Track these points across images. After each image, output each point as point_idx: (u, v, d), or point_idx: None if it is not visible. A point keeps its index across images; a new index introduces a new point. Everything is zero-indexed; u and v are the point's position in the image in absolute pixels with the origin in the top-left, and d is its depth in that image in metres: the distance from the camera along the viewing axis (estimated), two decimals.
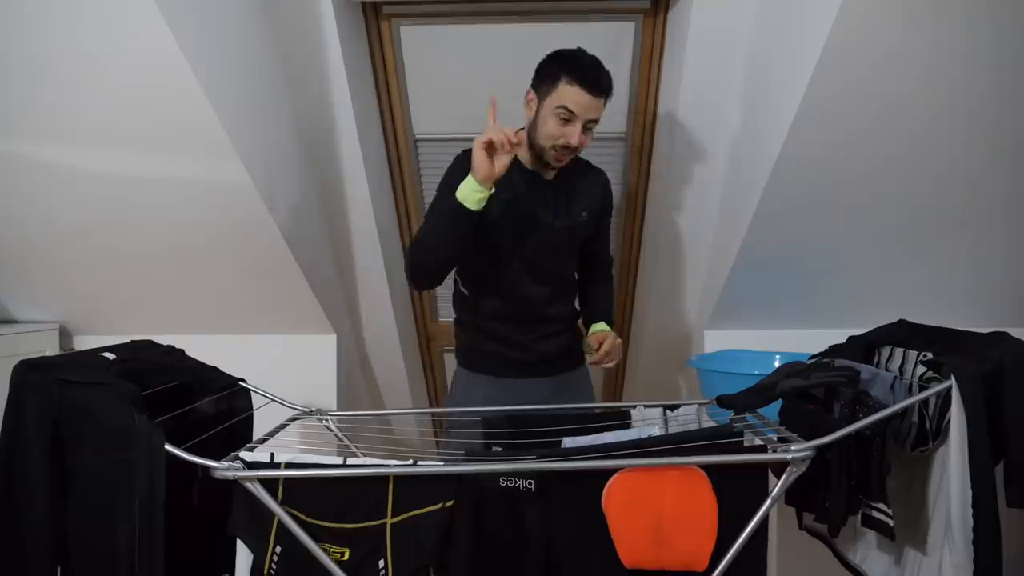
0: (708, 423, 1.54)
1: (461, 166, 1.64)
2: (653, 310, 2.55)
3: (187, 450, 1.15)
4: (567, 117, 1.57)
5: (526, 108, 1.66)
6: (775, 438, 1.24)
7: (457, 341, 1.92)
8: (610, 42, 2.07)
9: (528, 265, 1.74)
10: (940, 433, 1.22)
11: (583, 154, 1.76)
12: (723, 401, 1.41)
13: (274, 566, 1.17)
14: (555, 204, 1.74)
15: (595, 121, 1.61)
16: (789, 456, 1.14)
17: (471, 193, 1.50)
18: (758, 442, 1.25)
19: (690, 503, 1.16)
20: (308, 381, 2.32)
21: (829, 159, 1.69)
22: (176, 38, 1.43)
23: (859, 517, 1.30)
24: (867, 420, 1.20)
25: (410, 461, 1.20)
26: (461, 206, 1.51)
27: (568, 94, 1.55)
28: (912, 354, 1.36)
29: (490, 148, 1.48)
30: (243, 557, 1.21)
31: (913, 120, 1.59)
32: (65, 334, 2.33)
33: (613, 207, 1.91)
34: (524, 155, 1.71)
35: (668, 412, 1.59)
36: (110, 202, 1.85)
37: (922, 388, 1.26)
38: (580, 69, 1.55)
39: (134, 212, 1.88)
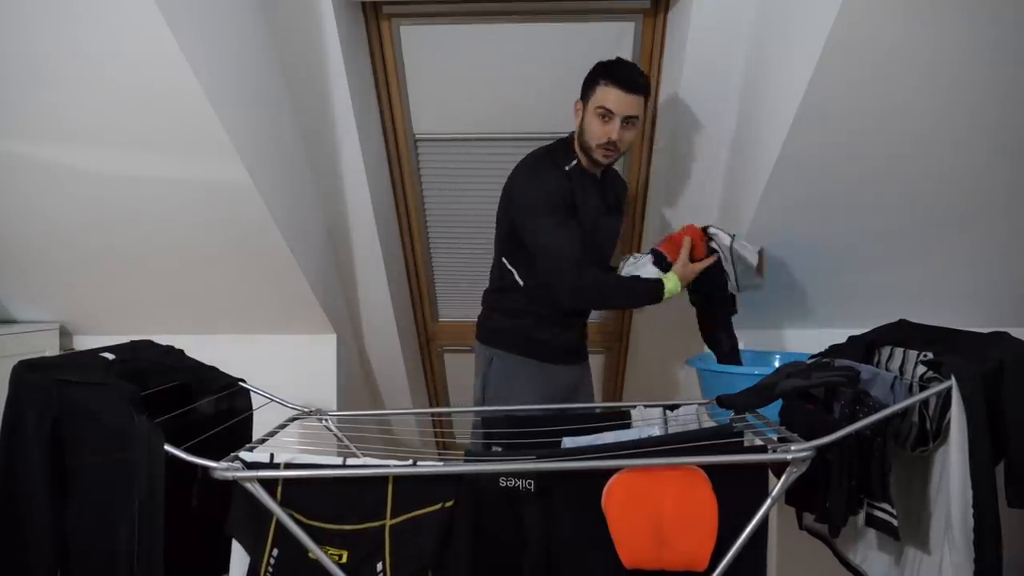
0: (708, 423, 1.53)
1: (562, 177, 1.79)
2: (653, 310, 2.54)
3: (187, 450, 1.15)
4: (606, 116, 1.73)
5: (575, 117, 1.81)
6: (775, 438, 1.24)
7: (497, 325, 1.94)
8: (610, 42, 2.07)
9: (594, 260, 1.84)
10: (940, 433, 1.22)
11: None
12: (723, 401, 1.40)
13: (271, 569, 1.17)
14: (607, 202, 1.90)
15: (634, 118, 1.75)
16: (789, 456, 1.14)
17: (673, 292, 1.76)
18: (758, 442, 1.25)
19: (690, 503, 1.16)
20: (308, 381, 2.32)
21: (829, 159, 1.69)
22: (176, 38, 1.43)
23: (862, 517, 1.30)
24: (867, 420, 1.20)
25: (410, 461, 1.20)
26: (661, 291, 1.76)
27: (605, 94, 1.72)
28: (912, 354, 1.36)
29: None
30: (238, 559, 1.21)
31: (914, 120, 1.59)
32: (65, 334, 2.33)
33: None
34: (583, 160, 1.84)
35: (668, 412, 1.59)
36: (110, 202, 1.85)
37: (922, 388, 1.25)
38: (614, 70, 1.73)
39: (134, 212, 1.88)
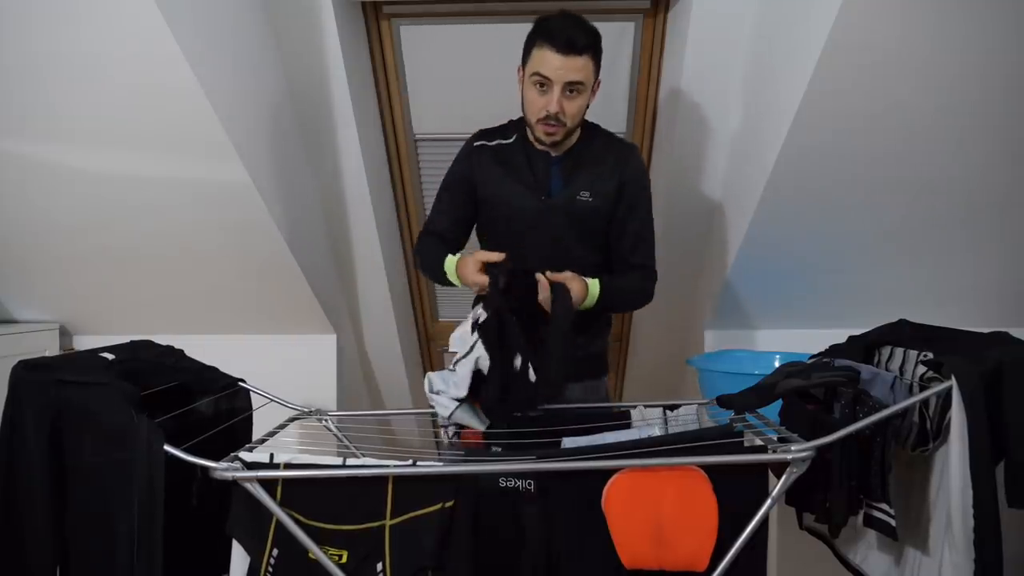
0: (708, 423, 1.53)
1: (463, 157, 1.69)
2: (653, 310, 2.54)
3: (186, 450, 1.15)
4: (543, 83, 1.48)
5: (518, 86, 1.56)
6: (775, 438, 1.24)
7: None
8: (610, 42, 2.06)
9: (524, 248, 1.59)
10: (940, 433, 1.22)
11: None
12: (723, 401, 1.40)
13: (270, 569, 1.17)
14: (556, 182, 1.61)
15: (578, 83, 1.47)
16: (789, 456, 1.14)
17: (451, 274, 1.55)
18: (758, 442, 1.25)
19: (690, 503, 1.16)
20: (308, 381, 2.32)
21: (829, 158, 1.69)
22: (176, 38, 1.43)
23: (861, 517, 1.30)
24: (867, 420, 1.20)
25: (409, 461, 1.20)
26: (445, 273, 1.56)
27: (540, 58, 1.46)
28: (912, 354, 1.36)
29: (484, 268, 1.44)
30: (238, 559, 1.21)
31: (913, 119, 1.59)
32: (65, 334, 2.33)
33: (644, 194, 1.64)
34: (531, 135, 1.61)
35: (668, 412, 1.58)
36: (110, 202, 1.85)
37: (922, 388, 1.25)
38: (550, 29, 1.45)
39: (134, 212, 1.88)
